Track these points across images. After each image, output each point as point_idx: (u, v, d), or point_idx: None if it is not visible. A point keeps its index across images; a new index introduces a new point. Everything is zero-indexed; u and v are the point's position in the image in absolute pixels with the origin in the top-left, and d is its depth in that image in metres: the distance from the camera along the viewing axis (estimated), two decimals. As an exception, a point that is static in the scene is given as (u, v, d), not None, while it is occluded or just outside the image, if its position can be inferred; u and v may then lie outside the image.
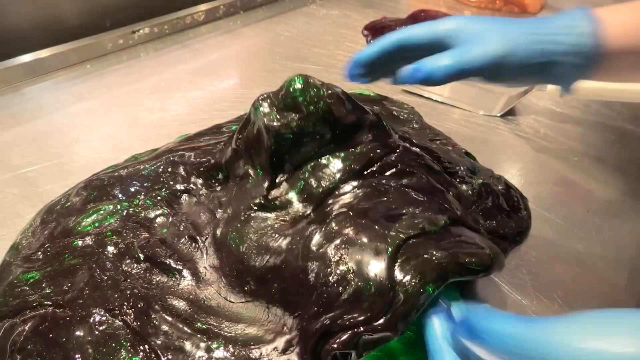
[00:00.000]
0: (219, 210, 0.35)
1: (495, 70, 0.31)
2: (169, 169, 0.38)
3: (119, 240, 0.32)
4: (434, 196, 0.31)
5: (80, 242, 0.32)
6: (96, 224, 0.33)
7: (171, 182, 0.37)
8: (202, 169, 0.38)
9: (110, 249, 0.31)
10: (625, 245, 0.37)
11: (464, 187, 0.38)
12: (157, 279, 0.30)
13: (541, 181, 0.44)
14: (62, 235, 0.33)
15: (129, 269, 0.30)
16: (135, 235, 0.33)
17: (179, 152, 0.40)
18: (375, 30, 0.73)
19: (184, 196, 0.36)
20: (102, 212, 0.34)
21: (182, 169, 0.38)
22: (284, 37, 0.72)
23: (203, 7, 0.75)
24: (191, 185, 0.37)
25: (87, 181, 0.38)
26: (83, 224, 0.33)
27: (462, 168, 0.39)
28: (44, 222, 0.35)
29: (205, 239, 0.33)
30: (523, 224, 0.38)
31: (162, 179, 0.37)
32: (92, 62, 0.62)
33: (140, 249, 0.32)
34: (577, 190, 0.43)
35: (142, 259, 0.31)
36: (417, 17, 0.73)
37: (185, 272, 0.31)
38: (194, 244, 0.33)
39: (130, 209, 0.34)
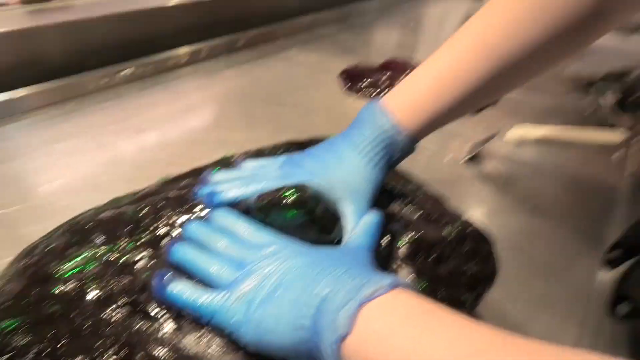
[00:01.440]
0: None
1: None
2: (151, 213, 0.39)
3: (100, 286, 0.33)
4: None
5: (60, 289, 0.32)
6: (76, 270, 0.34)
7: (152, 227, 0.38)
8: (182, 214, 0.39)
9: (91, 295, 0.32)
10: (581, 284, 0.40)
11: (444, 232, 0.41)
12: (139, 325, 0.30)
13: (505, 223, 0.46)
14: (42, 280, 0.33)
15: (110, 316, 0.31)
16: (117, 280, 0.33)
17: (160, 196, 0.41)
18: (351, 76, 0.77)
19: (165, 240, 0.37)
20: (82, 257, 0.35)
21: (163, 213, 0.39)
22: (264, 80, 0.75)
23: (186, 49, 0.77)
24: (171, 230, 0.38)
25: (68, 225, 0.38)
26: (63, 269, 0.34)
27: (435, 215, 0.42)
28: (24, 267, 0.35)
29: (186, 285, 0.34)
30: (492, 270, 0.40)
31: (143, 223, 0.38)
32: (75, 101, 0.63)
33: (121, 294, 0.32)
34: (538, 232, 0.46)
35: (123, 305, 0.32)
36: (388, 67, 0.78)
37: (167, 318, 0.32)
38: (174, 289, 0.34)
39: (112, 255, 0.35)
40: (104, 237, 0.37)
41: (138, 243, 0.36)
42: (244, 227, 0.35)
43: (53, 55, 0.66)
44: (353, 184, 0.38)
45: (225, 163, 0.49)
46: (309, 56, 0.87)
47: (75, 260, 0.34)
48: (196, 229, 0.37)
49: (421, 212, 0.42)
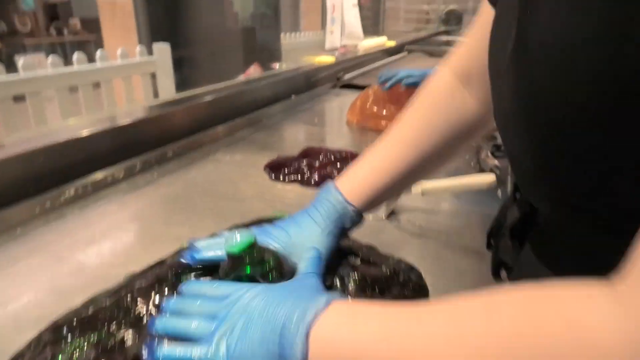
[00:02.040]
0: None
1: None
2: (128, 299, 0.44)
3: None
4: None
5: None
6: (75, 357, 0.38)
7: (132, 311, 0.43)
8: (156, 296, 0.45)
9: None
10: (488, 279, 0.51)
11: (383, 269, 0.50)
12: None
13: (424, 256, 0.57)
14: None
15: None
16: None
17: (133, 285, 0.47)
18: (274, 167, 0.89)
19: (145, 319, 0.42)
20: (72, 348, 0.39)
21: (139, 299, 0.44)
22: (198, 180, 0.84)
23: (121, 165, 0.85)
24: (150, 307, 0.43)
25: (51, 328, 0.42)
26: (57, 360, 0.37)
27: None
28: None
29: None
30: (425, 293, 0.50)
31: (122, 309, 0.43)
32: (21, 227, 0.66)
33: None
34: (452, 267, 0.58)
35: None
36: (306, 154, 0.91)
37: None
38: None
39: (100, 339, 0.40)
40: (89, 327, 0.41)
41: (122, 327, 0.41)
42: (209, 286, 0.42)
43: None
44: (309, 247, 0.47)
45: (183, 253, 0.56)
46: (234, 156, 0.98)
47: (67, 351, 0.38)
48: (173, 302, 0.43)
49: (360, 258, 0.52)
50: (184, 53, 2.61)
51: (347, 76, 1.89)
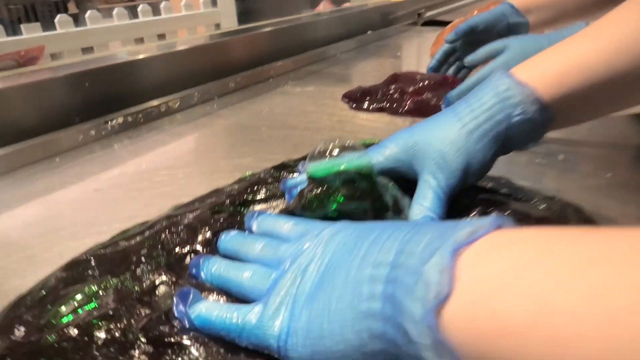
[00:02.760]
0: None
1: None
2: (168, 233, 0.31)
3: (112, 326, 0.24)
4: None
5: (55, 337, 0.23)
6: (79, 311, 0.25)
7: (172, 246, 0.30)
8: (209, 228, 0.31)
9: (102, 338, 0.23)
10: None
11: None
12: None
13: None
14: (35, 334, 0.24)
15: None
16: (132, 314, 0.25)
17: (178, 215, 0.33)
18: (355, 96, 0.72)
19: (189, 258, 0.29)
20: (84, 295, 0.26)
21: (184, 230, 0.31)
22: (265, 112, 0.70)
23: (177, 95, 0.73)
24: (197, 246, 0.30)
25: (66, 265, 0.30)
26: (60, 313, 0.25)
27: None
28: (9, 324, 0.26)
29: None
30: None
31: (159, 245, 0.30)
32: (61, 156, 0.56)
33: (142, 331, 0.24)
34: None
35: (145, 342, 0.23)
36: (396, 79, 0.73)
37: (200, 349, 0.23)
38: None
39: (122, 285, 0.27)
40: (111, 270, 0.29)
41: (154, 267, 0.28)
42: (283, 222, 0.28)
43: (23, 119, 0.60)
44: (441, 156, 0.31)
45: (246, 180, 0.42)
46: (305, 88, 0.83)
47: (75, 301, 0.26)
48: (229, 239, 0.29)
49: (509, 194, 0.35)
50: (249, 4, 2.49)
51: (429, 14, 1.65)
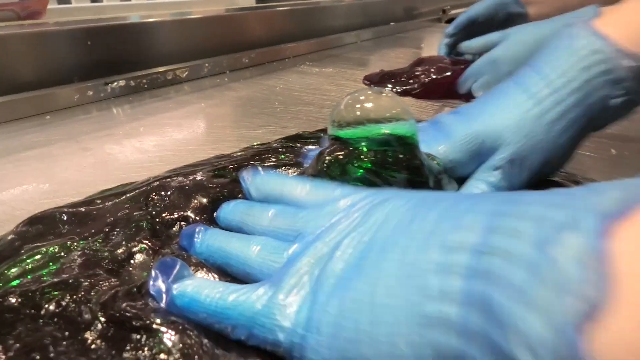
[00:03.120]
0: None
1: None
2: (155, 195, 0.25)
3: (67, 298, 0.19)
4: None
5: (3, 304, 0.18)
6: (29, 276, 0.20)
7: (158, 210, 0.24)
8: (205, 194, 0.26)
9: (51, 310, 0.18)
10: None
11: None
12: (134, 351, 0.16)
13: None
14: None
15: (86, 343, 0.16)
16: (95, 285, 0.19)
17: (169, 177, 0.28)
18: (377, 79, 0.67)
19: (178, 226, 0.24)
20: (40, 256, 0.21)
21: (175, 194, 0.25)
22: (279, 88, 0.65)
23: (185, 64, 0.67)
24: (189, 212, 0.24)
25: (31, 218, 0.25)
26: (6, 276, 0.20)
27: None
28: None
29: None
30: None
31: (143, 208, 0.25)
32: (52, 114, 0.51)
33: (103, 307, 0.18)
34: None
35: (104, 321, 0.18)
36: (421, 62, 0.68)
37: (176, 337, 0.17)
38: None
39: (89, 249, 0.21)
40: (80, 229, 0.23)
41: (133, 232, 0.23)
42: (295, 184, 0.22)
43: (24, 72, 0.55)
44: (512, 154, 0.25)
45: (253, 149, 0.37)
46: (323, 70, 0.77)
47: (27, 262, 0.20)
48: (232, 209, 0.23)
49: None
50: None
51: (455, 11, 1.59)
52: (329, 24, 1.05)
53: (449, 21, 1.51)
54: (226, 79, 0.69)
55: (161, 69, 0.64)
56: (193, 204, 0.25)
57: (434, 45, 1.16)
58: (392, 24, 1.26)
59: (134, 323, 0.17)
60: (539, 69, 0.26)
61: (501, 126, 0.25)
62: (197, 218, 0.25)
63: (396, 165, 0.23)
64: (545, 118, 0.24)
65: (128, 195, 0.26)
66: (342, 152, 0.23)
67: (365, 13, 1.21)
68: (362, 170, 0.23)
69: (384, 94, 0.25)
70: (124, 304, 0.17)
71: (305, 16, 0.99)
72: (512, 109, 0.25)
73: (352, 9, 1.17)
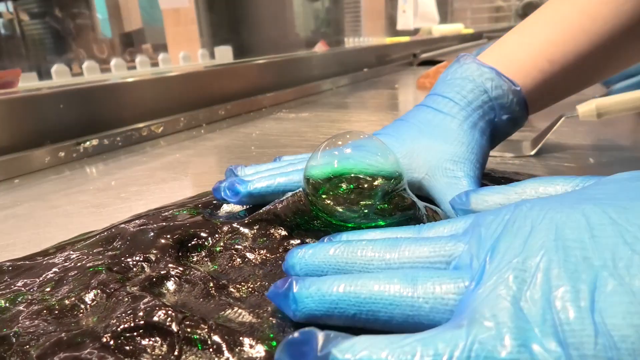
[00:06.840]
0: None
1: None
2: (112, 240, 0.24)
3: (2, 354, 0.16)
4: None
5: None
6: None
7: (117, 252, 0.22)
8: (171, 236, 0.24)
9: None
10: None
11: None
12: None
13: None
14: None
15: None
16: (35, 335, 0.17)
17: (131, 222, 0.26)
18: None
19: (140, 266, 0.22)
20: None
21: (136, 236, 0.24)
22: (256, 134, 0.64)
23: (160, 120, 0.67)
24: (150, 255, 0.23)
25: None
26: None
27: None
28: None
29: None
30: None
31: (100, 253, 0.23)
32: (22, 178, 0.49)
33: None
34: None
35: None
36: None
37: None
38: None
39: (32, 297, 0.19)
40: (29, 280, 0.21)
41: (87, 277, 0.21)
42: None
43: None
44: (440, 154, 0.27)
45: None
46: (300, 114, 0.78)
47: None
48: (317, 251, 0.20)
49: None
50: (246, 57, 2.52)
51: (425, 55, 1.65)
52: (304, 74, 1.08)
53: (421, 64, 1.56)
54: (202, 131, 0.69)
55: (135, 126, 0.63)
56: (156, 244, 0.23)
57: (409, 84, 1.19)
58: (365, 70, 1.30)
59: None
60: (444, 95, 0.30)
61: (429, 137, 0.28)
62: (160, 257, 0.23)
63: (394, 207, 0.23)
64: (463, 127, 0.28)
65: (85, 242, 0.24)
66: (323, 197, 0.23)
67: (339, 62, 1.25)
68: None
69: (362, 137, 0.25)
70: (64, 355, 0.15)
71: (281, 68, 1.01)
72: (437, 122, 0.29)
73: (327, 59, 1.20)
